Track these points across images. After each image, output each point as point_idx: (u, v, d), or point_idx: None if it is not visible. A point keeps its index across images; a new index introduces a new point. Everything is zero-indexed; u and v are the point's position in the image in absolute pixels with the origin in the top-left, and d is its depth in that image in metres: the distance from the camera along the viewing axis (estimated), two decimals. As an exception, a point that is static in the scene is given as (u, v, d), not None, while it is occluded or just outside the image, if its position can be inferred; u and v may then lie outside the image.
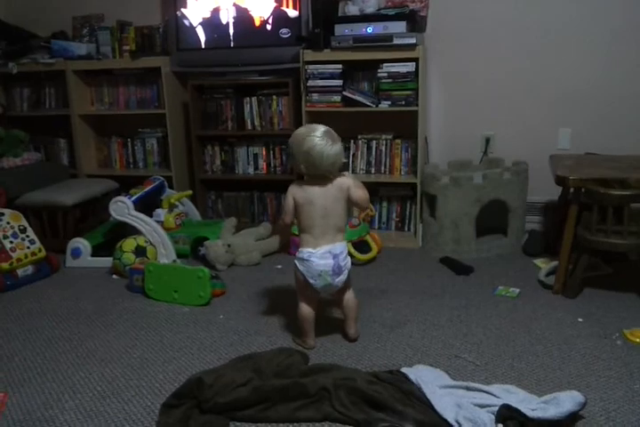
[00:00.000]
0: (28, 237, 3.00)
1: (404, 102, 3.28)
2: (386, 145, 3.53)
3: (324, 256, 2.12)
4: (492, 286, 2.77)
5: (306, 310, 2.23)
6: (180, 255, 3.17)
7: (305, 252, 2.14)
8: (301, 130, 2.14)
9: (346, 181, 2.17)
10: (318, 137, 2.07)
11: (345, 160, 2.16)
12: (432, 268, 3.07)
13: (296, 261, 2.18)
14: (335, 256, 2.13)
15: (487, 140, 3.55)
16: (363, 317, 2.45)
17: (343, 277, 2.17)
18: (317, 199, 2.12)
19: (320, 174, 2.12)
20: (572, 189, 2.68)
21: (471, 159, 3.50)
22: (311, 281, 2.14)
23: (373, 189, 3.60)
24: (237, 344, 2.28)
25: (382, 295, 2.71)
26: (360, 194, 2.19)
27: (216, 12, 3.55)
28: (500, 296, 2.67)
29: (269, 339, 2.32)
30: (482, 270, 2.99)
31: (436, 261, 3.15)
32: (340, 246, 2.15)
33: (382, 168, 3.55)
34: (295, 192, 2.15)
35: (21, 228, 3.01)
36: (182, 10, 3.59)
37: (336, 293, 2.25)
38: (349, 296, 2.26)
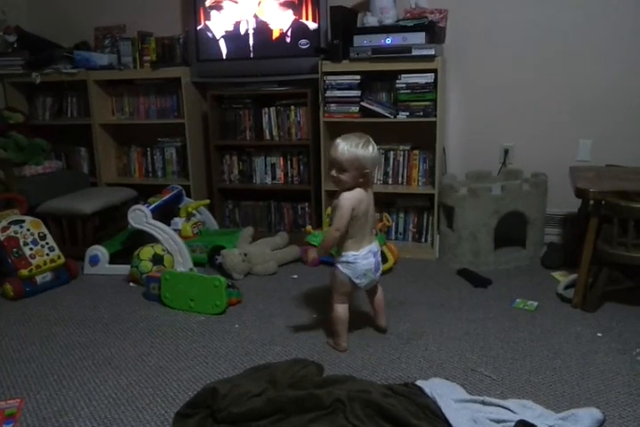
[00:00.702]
0: (47, 244, 3.04)
1: (422, 113, 3.28)
2: (403, 156, 3.52)
3: (366, 256, 2.22)
4: (510, 299, 2.75)
5: (343, 311, 2.28)
6: (196, 264, 3.19)
7: (350, 255, 2.21)
8: (351, 137, 2.15)
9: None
10: (370, 144, 2.16)
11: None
12: (449, 280, 3.05)
13: (339, 265, 2.23)
14: (375, 254, 2.26)
15: (506, 151, 3.54)
16: (378, 328, 2.44)
17: (379, 273, 2.33)
18: (364, 205, 2.19)
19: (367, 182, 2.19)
20: (592, 202, 2.65)
21: (490, 170, 3.48)
22: (357, 281, 2.23)
23: (390, 200, 3.59)
24: (252, 354, 2.28)
25: (399, 307, 2.70)
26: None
27: (236, 23, 3.58)
28: (517, 309, 2.64)
29: (284, 349, 2.31)
30: (500, 283, 2.97)
31: (454, 272, 3.13)
32: (376, 245, 2.29)
33: (400, 179, 3.55)
34: (354, 203, 2.16)
35: (41, 235, 3.04)
36: (203, 21, 3.62)
37: (371, 289, 2.37)
38: (380, 291, 2.41)
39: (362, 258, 2.22)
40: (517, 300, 2.73)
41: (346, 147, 2.12)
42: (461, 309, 2.67)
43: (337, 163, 2.14)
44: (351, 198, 2.16)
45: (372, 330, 2.45)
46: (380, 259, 2.30)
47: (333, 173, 2.16)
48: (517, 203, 3.14)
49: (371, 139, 2.18)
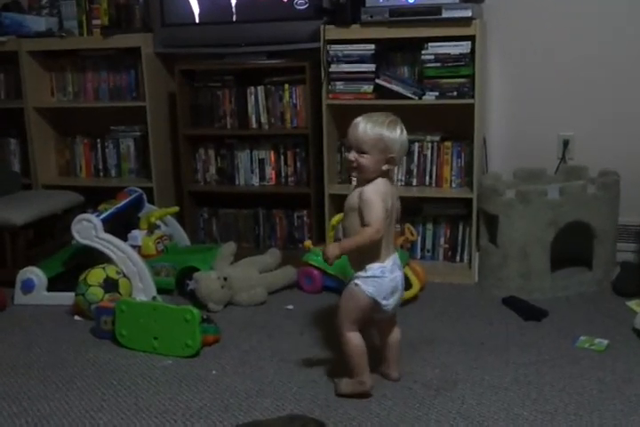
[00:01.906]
0: (-34, 265, 3.06)
1: (455, 93, 3.30)
2: (432, 149, 3.55)
3: (393, 269, 2.28)
4: (572, 336, 2.75)
5: (359, 339, 2.29)
6: (161, 291, 3.20)
7: (376, 267, 2.23)
8: (376, 115, 2.24)
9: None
10: (399, 123, 2.25)
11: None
12: (492, 311, 3.06)
13: (360, 282, 2.24)
14: (399, 266, 2.32)
15: (565, 143, 3.56)
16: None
17: (404, 292, 2.39)
18: (390, 200, 2.25)
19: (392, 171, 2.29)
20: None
21: (544, 168, 3.50)
22: (383, 302, 2.25)
23: (415, 207, 3.61)
24: (234, 409, 2.28)
25: (426, 347, 2.70)
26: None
27: (213, -24, 3.62)
28: (582, 349, 2.65)
29: (276, 402, 2.32)
30: (558, 315, 2.98)
31: (498, 301, 3.14)
32: (397, 254, 2.34)
33: (427, 179, 3.58)
34: (383, 197, 2.21)
35: (-42, 253, 3.07)
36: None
37: (386, 323, 2.40)
38: (397, 330, 2.43)
39: (389, 271, 2.25)
40: (581, 337, 2.73)
41: (369, 125, 2.19)
42: (508, 349, 2.67)
43: (357, 143, 2.20)
44: (378, 191, 2.21)
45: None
46: (403, 273, 2.35)
47: (352, 155, 2.22)
48: (581, 210, 3.15)
49: (400, 120, 2.25)
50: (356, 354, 2.29)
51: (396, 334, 2.42)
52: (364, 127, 2.19)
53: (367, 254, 2.24)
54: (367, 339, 2.36)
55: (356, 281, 2.26)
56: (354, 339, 2.29)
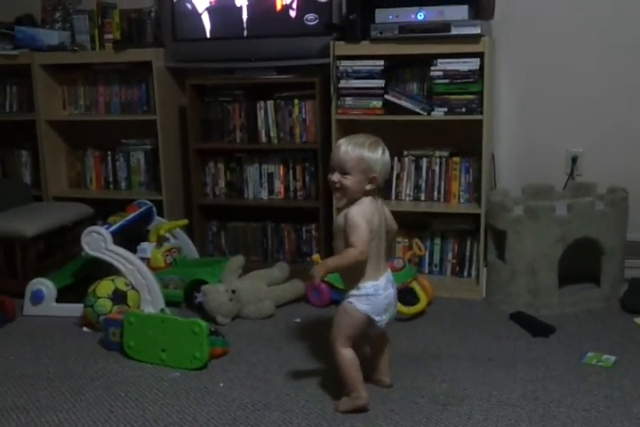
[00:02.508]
0: (-23, 276, 3.08)
1: (464, 109, 3.32)
2: (440, 164, 3.56)
3: (387, 286, 2.32)
4: (580, 352, 2.75)
5: (352, 353, 2.32)
6: (169, 303, 3.21)
7: (370, 286, 2.27)
8: (357, 137, 2.30)
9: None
10: (380, 144, 2.30)
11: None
12: (500, 326, 3.06)
13: (354, 300, 2.28)
14: (392, 283, 2.36)
15: (574, 160, 3.57)
16: (407, 390, 2.46)
17: (397, 307, 2.42)
18: (377, 218, 2.29)
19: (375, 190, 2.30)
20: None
21: (552, 184, 3.51)
22: (377, 318, 2.29)
23: (424, 222, 3.62)
24: (241, 422, 2.28)
25: (433, 362, 2.70)
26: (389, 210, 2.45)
27: (225, -8, 3.66)
28: (589, 366, 2.64)
29: (283, 415, 2.32)
30: (566, 331, 2.97)
31: (506, 317, 3.14)
32: (390, 271, 2.38)
33: (435, 194, 3.58)
34: (367, 216, 2.25)
35: (-31, 264, 3.09)
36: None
37: (381, 336, 2.44)
38: (386, 339, 2.48)
39: (383, 289, 2.29)
40: (589, 353, 2.73)
41: (350, 146, 2.24)
42: (516, 365, 2.67)
43: (340, 164, 2.24)
44: (362, 211, 2.25)
45: (396, 391, 2.45)
46: (396, 290, 2.38)
47: (335, 177, 2.25)
48: (589, 227, 3.15)
49: (381, 141, 2.30)
50: (349, 369, 2.30)
51: (386, 343, 2.47)
52: (346, 148, 2.24)
53: (358, 273, 2.27)
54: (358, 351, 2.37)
55: (350, 299, 2.29)
56: (347, 354, 2.31)
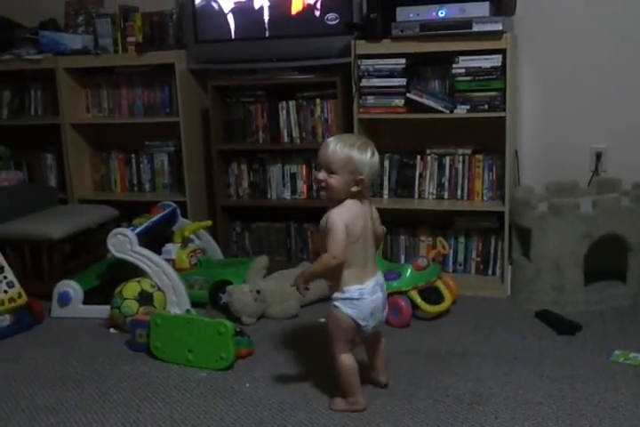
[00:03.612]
0: (5, 278, 3.11)
1: (486, 106, 3.32)
2: (463, 162, 3.56)
3: (374, 290, 2.28)
4: (607, 351, 2.73)
5: (351, 360, 2.32)
6: (195, 304, 3.23)
7: (354, 290, 2.24)
8: (346, 136, 2.32)
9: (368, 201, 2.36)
10: (369, 146, 2.26)
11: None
12: (525, 325, 3.05)
13: (339, 304, 2.26)
14: (382, 287, 2.33)
15: (598, 156, 3.54)
16: (432, 389, 2.46)
17: (386, 311, 2.40)
18: (361, 221, 2.26)
19: (362, 192, 2.28)
20: None
21: (576, 180, 3.49)
22: (362, 323, 2.27)
23: (447, 220, 3.61)
24: (268, 422, 2.30)
25: (459, 361, 2.70)
26: (376, 211, 2.41)
27: (246, -7, 3.67)
28: (616, 364, 2.63)
29: (310, 416, 2.33)
30: (592, 329, 2.96)
31: (531, 315, 3.13)
32: (381, 275, 2.37)
33: (458, 192, 3.58)
34: (346, 219, 2.22)
35: (-3, 267, 3.13)
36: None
37: (374, 335, 2.40)
38: (382, 339, 2.46)
39: (369, 293, 2.26)
40: (616, 351, 2.72)
41: (339, 145, 2.21)
42: (541, 363, 2.66)
43: (327, 163, 2.22)
44: (341, 213, 2.22)
45: (422, 390, 2.46)
46: (385, 294, 2.35)
47: (321, 175, 2.24)
48: (615, 223, 3.14)
49: (371, 143, 2.27)
50: (349, 374, 2.31)
51: (382, 344, 2.46)
52: (334, 147, 2.21)
53: (342, 276, 2.25)
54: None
55: (335, 303, 2.27)
56: (346, 360, 2.31)
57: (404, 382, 2.50)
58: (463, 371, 2.61)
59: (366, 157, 2.21)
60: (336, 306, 2.27)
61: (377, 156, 2.25)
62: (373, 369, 2.47)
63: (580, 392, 2.42)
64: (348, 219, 2.22)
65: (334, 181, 2.21)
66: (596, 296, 3.19)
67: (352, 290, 2.24)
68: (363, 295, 2.24)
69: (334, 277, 2.26)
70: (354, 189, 2.22)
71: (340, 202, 2.25)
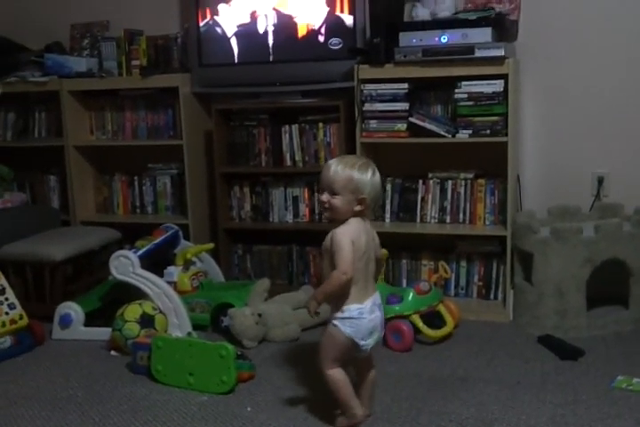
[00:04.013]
0: (7, 299, 3.11)
1: (488, 131, 3.34)
2: (465, 186, 3.57)
3: (372, 309, 2.29)
4: (610, 376, 2.73)
5: (340, 373, 2.31)
6: (196, 327, 3.23)
7: (354, 309, 2.25)
8: (347, 157, 2.36)
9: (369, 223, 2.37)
10: (370, 167, 2.29)
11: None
12: (528, 349, 3.04)
13: (338, 323, 2.27)
14: (379, 307, 2.34)
15: (600, 180, 3.56)
16: (434, 414, 2.45)
17: (383, 332, 2.40)
18: (364, 238, 2.29)
19: (364, 211, 2.30)
20: None
21: (578, 205, 3.50)
22: (361, 342, 2.27)
23: (449, 244, 3.62)
24: (269, 446, 2.30)
25: (461, 386, 2.70)
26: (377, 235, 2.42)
27: (250, 18, 3.71)
28: (619, 390, 2.62)
29: (311, 440, 2.33)
30: (595, 354, 2.95)
31: (533, 340, 3.13)
32: (378, 294, 2.36)
33: (460, 216, 3.59)
34: (352, 236, 2.25)
35: (-1, 288, 3.14)
36: (208, 15, 3.76)
37: (363, 360, 2.38)
38: (373, 368, 2.42)
39: (368, 312, 2.27)
40: (619, 377, 2.71)
41: (340, 166, 2.25)
42: (544, 388, 2.65)
43: (329, 184, 2.25)
44: (347, 230, 2.25)
45: (424, 415, 2.45)
46: (383, 313, 2.36)
47: (324, 197, 2.27)
48: (617, 248, 3.14)
49: (372, 163, 2.31)
50: (341, 389, 2.31)
51: (372, 373, 2.42)
52: (336, 169, 2.25)
53: (343, 295, 2.26)
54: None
55: (334, 322, 2.28)
56: (336, 375, 2.31)
57: (406, 406, 2.49)
58: (466, 396, 2.60)
59: (367, 176, 2.24)
60: (335, 325, 2.27)
61: (378, 175, 2.28)
62: (358, 397, 2.39)
63: (582, 418, 2.41)
64: (353, 235, 2.24)
65: (337, 201, 2.24)
66: (599, 321, 3.19)
67: (352, 309, 2.25)
68: (362, 315, 2.25)
69: (342, 295, 2.26)
70: (357, 208, 2.25)
71: (343, 222, 2.27)
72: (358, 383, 2.42)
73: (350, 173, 2.23)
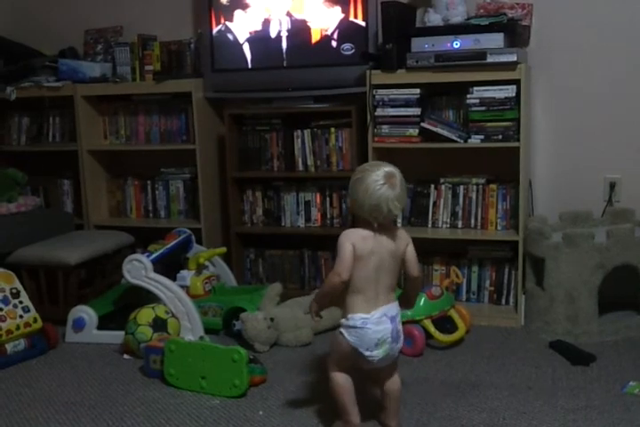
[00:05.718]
0: (21, 303, 3.15)
1: (500, 136, 3.35)
2: (477, 191, 3.58)
3: (380, 321, 2.23)
4: (621, 381, 2.73)
5: (343, 378, 2.31)
6: (209, 331, 3.25)
7: (357, 318, 2.23)
8: (375, 164, 2.36)
9: (404, 235, 2.33)
10: (378, 175, 2.20)
11: (399, 211, 2.26)
12: (539, 355, 3.05)
13: (342, 330, 2.26)
14: (392, 319, 2.26)
15: (612, 186, 3.56)
16: (446, 420, 2.46)
17: (400, 345, 2.32)
18: (374, 251, 2.24)
19: (376, 222, 2.23)
20: None
21: (590, 210, 3.50)
22: (366, 353, 2.23)
23: (461, 249, 3.63)
24: (281, 450, 2.31)
25: (472, 391, 2.70)
26: (415, 256, 2.35)
27: (263, 24, 3.74)
28: (631, 395, 2.62)
29: (323, 444, 2.34)
30: (606, 359, 2.95)
31: (545, 345, 3.13)
32: (395, 307, 2.31)
33: (472, 221, 3.60)
34: (355, 240, 2.23)
35: (14, 291, 3.16)
36: (222, 21, 3.79)
37: (382, 371, 2.34)
38: (396, 380, 2.37)
39: (374, 323, 2.22)
40: (630, 382, 2.71)
41: (358, 168, 2.28)
42: (555, 394, 2.66)
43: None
44: (349, 233, 2.25)
45: (436, 420, 2.45)
46: (400, 328, 2.30)
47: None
48: (629, 254, 3.14)
49: (397, 174, 2.21)
50: (340, 393, 2.31)
51: (394, 384, 2.36)
52: (357, 169, 2.29)
53: (348, 302, 2.25)
54: (364, 388, 2.38)
55: (341, 329, 2.27)
56: (338, 379, 2.31)
57: (417, 411, 2.50)
58: (477, 401, 2.61)
59: (362, 179, 2.21)
60: (341, 332, 2.27)
61: (380, 180, 2.18)
62: (383, 409, 2.39)
63: (594, 423, 2.41)
64: (355, 238, 2.23)
65: (349, 203, 2.25)
66: (611, 327, 3.19)
67: (355, 318, 2.23)
68: (366, 325, 2.21)
69: (341, 300, 2.27)
70: (358, 212, 2.24)
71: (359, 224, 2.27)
72: (381, 395, 2.39)
73: (353, 178, 2.26)
